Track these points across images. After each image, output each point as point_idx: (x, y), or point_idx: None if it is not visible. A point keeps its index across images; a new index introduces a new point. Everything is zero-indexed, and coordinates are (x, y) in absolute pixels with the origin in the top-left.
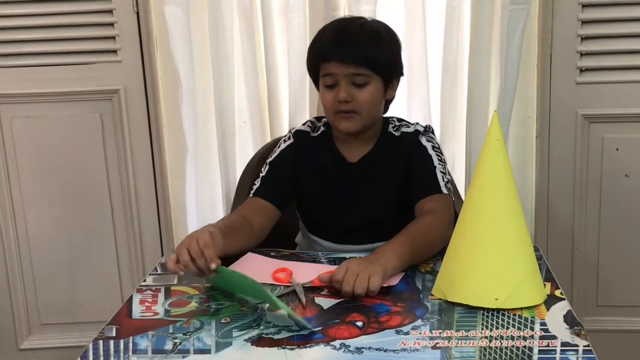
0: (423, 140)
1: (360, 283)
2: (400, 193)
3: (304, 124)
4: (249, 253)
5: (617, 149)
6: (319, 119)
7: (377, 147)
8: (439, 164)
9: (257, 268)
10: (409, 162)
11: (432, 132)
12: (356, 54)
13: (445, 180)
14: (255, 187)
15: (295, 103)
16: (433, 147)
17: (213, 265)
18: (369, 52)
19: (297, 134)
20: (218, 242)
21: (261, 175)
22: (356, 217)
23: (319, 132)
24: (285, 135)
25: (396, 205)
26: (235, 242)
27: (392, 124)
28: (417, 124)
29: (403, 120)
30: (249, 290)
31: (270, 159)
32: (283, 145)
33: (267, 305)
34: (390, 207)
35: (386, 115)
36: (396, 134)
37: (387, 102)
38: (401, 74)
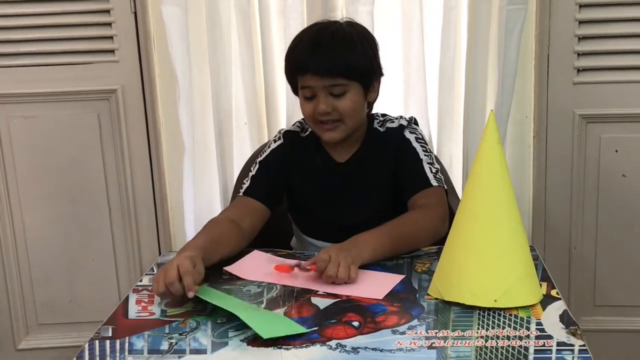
0: (406, 133)
1: (344, 273)
2: (392, 189)
3: (293, 125)
4: (255, 251)
5: (617, 151)
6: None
7: (365, 145)
8: (425, 155)
9: (259, 265)
10: (396, 158)
11: (415, 123)
12: (331, 65)
13: (434, 170)
14: (244, 186)
15: (292, 103)
16: (417, 138)
17: (190, 294)
18: (343, 62)
19: (287, 135)
20: (199, 268)
21: (251, 174)
22: (348, 216)
23: (307, 133)
24: (275, 136)
25: (388, 201)
26: (222, 251)
27: (377, 119)
28: (401, 117)
29: (386, 115)
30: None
31: (260, 158)
32: (273, 145)
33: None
34: (381, 204)
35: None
36: (381, 129)
37: (370, 104)
38: (381, 74)
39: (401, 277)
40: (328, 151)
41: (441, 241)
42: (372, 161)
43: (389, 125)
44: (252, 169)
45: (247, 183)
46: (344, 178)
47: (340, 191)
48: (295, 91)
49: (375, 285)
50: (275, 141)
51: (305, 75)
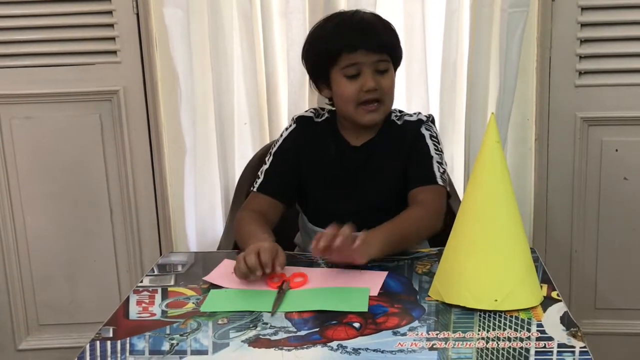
0: (423, 129)
1: (346, 257)
2: (400, 181)
3: (306, 111)
4: (225, 259)
5: (617, 150)
6: (322, 109)
7: (381, 134)
8: (436, 153)
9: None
10: (409, 151)
11: (432, 122)
12: (380, 41)
13: (441, 170)
14: (258, 181)
15: (294, 104)
16: (431, 136)
17: (278, 269)
18: (389, 39)
19: (300, 120)
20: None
21: (265, 167)
22: (357, 201)
23: (322, 118)
24: (288, 126)
25: (397, 192)
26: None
27: (394, 113)
28: (420, 113)
29: (403, 111)
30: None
31: (274, 149)
32: (286, 133)
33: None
34: (391, 193)
35: None
36: (399, 122)
37: None
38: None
39: (385, 273)
40: (343, 135)
41: (442, 242)
42: (386, 149)
43: (407, 118)
44: (266, 160)
45: (261, 177)
46: (358, 161)
47: (353, 174)
48: (318, 78)
49: (366, 282)
50: (287, 129)
51: (355, 53)
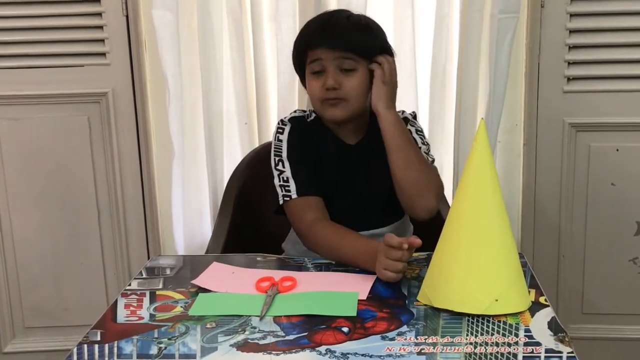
0: (408, 126)
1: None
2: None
3: (294, 112)
4: (214, 263)
5: (605, 155)
6: (302, 110)
7: (371, 132)
8: (423, 144)
9: (224, 277)
10: None
11: (415, 118)
12: (342, 38)
13: (431, 159)
14: (291, 188)
15: (284, 108)
16: (417, 131)
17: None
18: (355, 38)
19: (293, 120)
20: None
21: (285, 174)
22: (352, 201)
23: (312, 118)
24: (278, 128)
25: (389, 188)
26: None
27: None
28: (404, 112)
29: None
30: (238, 305)
31: (282, 156)
32: (285, 136)
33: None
34: (384, 191)
35: None
36: None
37: None
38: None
39: (374, 277)
40: (337, 135)
41: (430, 247)
42: (378, 148)
43: None
44: (284, 168)
45: (291, 184)
46: (358, 159)
47: (354, 172)
48: (303, 77)
49: (355, 286)
50: (282, 132)
51: (317, 49)
